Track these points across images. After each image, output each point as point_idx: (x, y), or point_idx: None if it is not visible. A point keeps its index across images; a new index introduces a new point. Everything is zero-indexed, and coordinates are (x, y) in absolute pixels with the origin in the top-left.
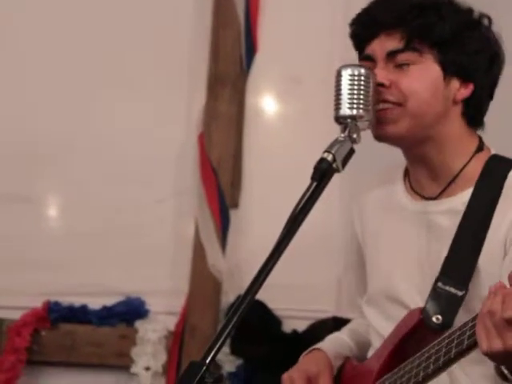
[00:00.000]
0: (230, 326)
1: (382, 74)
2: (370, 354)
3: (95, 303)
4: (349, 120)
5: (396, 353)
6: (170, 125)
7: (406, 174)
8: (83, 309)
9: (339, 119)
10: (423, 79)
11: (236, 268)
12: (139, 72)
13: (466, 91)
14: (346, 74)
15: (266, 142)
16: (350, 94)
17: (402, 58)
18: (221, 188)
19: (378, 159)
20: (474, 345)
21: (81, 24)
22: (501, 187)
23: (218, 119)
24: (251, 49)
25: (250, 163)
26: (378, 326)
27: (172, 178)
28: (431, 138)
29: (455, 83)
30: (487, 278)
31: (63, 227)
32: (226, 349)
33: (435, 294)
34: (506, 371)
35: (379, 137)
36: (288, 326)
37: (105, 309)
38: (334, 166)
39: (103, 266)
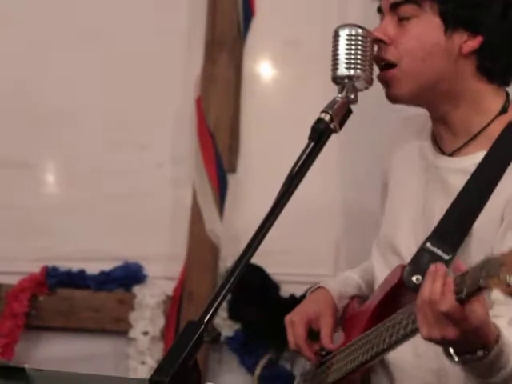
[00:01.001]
0: (228, 286)
1: (381, 29)
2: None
3: (93, 268)
4: (346, 80)
5: (382, 307)
6: (168, 89)
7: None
8: (81, 274)
9: (337, 79)
10: (420, 35)
11: (234, 233)
12: (136, 37)
13: (473, 43)
14: (343, 34)
15: (264, 105)
16: (347, 54)
17: (402, 10)
18: (218, 152)
19: (378, 121)
20: (416, 330)
21: None
22: None
23: (216, 83)
24: (248, 13)
25: (248, 127)
26: (379, 271)
27: (170, 142)
28: (446, 95)
29: (461, 35)
30: (478, 245)
31: (61, 193)
32: (223, 313)
33: (421, 253)
34: (451, 350)
35: (389, 99)
36: (286, 291)
37: (103, 274)
38: (332, 126)
39: (101, 232)
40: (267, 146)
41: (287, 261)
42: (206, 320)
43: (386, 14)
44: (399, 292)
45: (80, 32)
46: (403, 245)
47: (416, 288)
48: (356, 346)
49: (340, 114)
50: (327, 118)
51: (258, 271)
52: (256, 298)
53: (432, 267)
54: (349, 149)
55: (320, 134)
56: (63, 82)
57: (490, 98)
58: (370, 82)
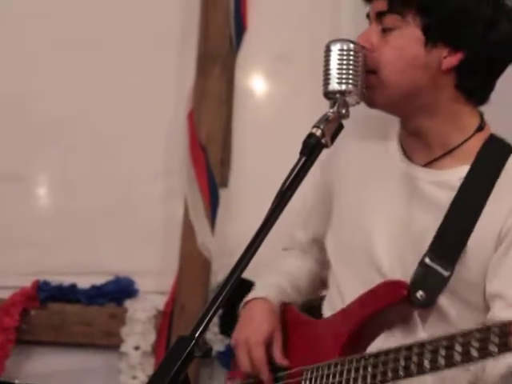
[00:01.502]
0: (219, 301)
1: (365, 36)
2: (328, 310)
3: (85, 282)
4: (338, 95)
5: (370, 321)
6: (160, 103)
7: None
8: (72, 288)
9: (328, 94)
10: (400, 47)
11: (225, 247)
12: (129, 49)
13: (452, 59)
14: (335, 49)
15: (256, 119)
16: (339, 68)
17: (387, 21)
18: (210, 167)
19: None
20: (501, 350)
21: (77, 4)
22: (499, 170)
23: (208, 97)
24: (240, 27)
25: (240, 141)
26: (348, 285)
27: (161, 156)
28: (422, 108)
29: (441, 50)
30: (473, 262)
31: (52, 206)
32: (214, 328)
33: (421, 269)
34: None
35: (366, 103)
36: None
37: (94, 288)
38: (323, 141)
39: (92, 245)
40: (259, 161)
41: None
42: (197, 335)
43: (371, 22)
44: (395, 309)
45: (73, 44)
46: (384, 261)
47: (420, 303)
48: (359, 364)
49: (331, 128)
50: (318, 132)
51: (250, 285)
52: None
53: None
54: None
55: (311, 149)
56: (55, 95)
57: (467, 116)
58: (361, 97)
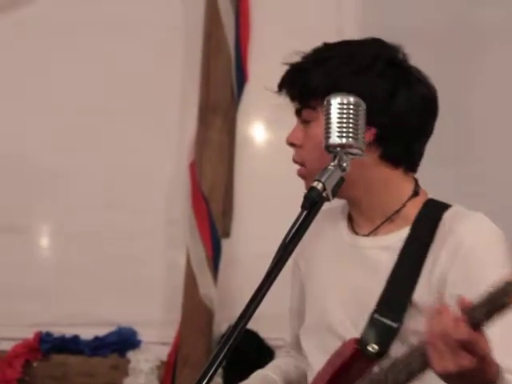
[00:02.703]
0: (222, 355)
1: (292, 134)
2: None
3: (87, 333)
4: (338, 149)
5: (334, 381)
6: (162, 153)
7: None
8: (75, 339)
9: (329, 148)
10: (316, 136)
11: (228, 297)
12: (130, 100)
13: (368, 136)
14: (335, 103)
15: (258, 170)
16: (339, 122)
17: (303, 116)
18: (212, 217)
19: None
20: (422, 367)
21: (77, 56)
22: (435, 227)
23: (209, 147)
24: (242, 78)
25: (242, 192)
26: (315, 359)
27: (163, 206)
28: (354, 184)
29: None
30: (420, 313)
31: (54, 257)
32: (218, 379)
33: (371, 324)
34: None
35: None
36: None
37: (97, 339)
38: (324, 194)
39: (95, 296)
40: (261, 211)
41: (281, 325)
42: None
43: (297, 120)
44: (353, 365)
45: (75, 96)
46: (340, 325)
47: (374, 356)
48: None
49: (332, 182)
50: (320, 186)
51: (253, 336)
52: (251, 362)
53: (436, 306)
54: None
55: (312, 203)
56: (58, 147)
57: (399, 183)
58: (362, 150)
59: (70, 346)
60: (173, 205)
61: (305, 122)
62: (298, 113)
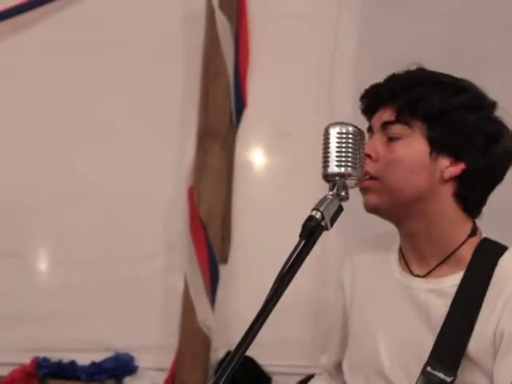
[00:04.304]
0: (222, 381)
1: (370, 145)
2: None
3: (84, 359)
4: (337, 178)
5: None
6: (160, 178)
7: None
8: (72, 365)
9: (327, 177)
10: (406, 157)
11: (225, 324)
12: (129, 125)
13: (455, 170)
14: (333, 132)
15: (256, 195)
16: (338, 151)
17: (393, 130)
18: (210, 243)
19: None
20: None
21: (68, 76)
22: (491, 274)
23: (208, 173)
24: (240, 103)
25: (240, 218)
26: None
27: (162, 231)
28: (419, 214)
29: (445, 160)
30: (476, 366)
31: (51, 282)
32: None
33: (424, 377)
34: None
35: (365, 206)
36: (278, 383)
37: (94, 365)
38: (323, 223)
39: (92, 321)
40: (259, 237)
41: (279, 352)
42: None
43: (375, 132)
44: None
45: (77, 125)
46: (391, 371)
47: None
48: None
49: (331, 211)
50: (318, 215)
51: (250, 363)
52: None
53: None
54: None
55: (311, 232)
56: (53, 171)
57: (462, 225)
58: (361, 180)
59: (66, 371)
60: (171, 229)
61: (392, 138)
62: (385, 125)
